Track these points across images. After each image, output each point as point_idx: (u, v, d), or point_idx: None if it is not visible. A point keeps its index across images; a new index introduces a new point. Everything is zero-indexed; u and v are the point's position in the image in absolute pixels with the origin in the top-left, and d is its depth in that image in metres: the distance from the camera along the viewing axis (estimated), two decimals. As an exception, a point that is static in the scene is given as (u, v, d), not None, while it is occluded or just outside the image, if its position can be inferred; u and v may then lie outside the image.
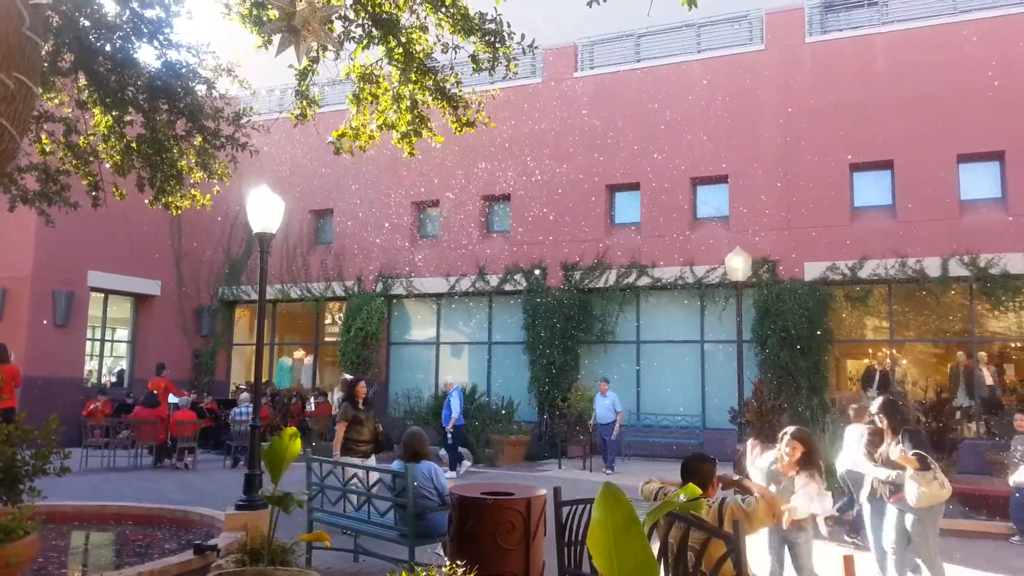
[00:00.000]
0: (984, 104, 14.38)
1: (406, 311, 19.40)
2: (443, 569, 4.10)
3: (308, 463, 7.09)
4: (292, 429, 4.87)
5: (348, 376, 13.75)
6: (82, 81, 8.00)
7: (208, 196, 9.38)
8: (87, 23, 7.41)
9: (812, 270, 15.24)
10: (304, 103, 7.71)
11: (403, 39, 7.22)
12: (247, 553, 5.10)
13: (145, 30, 7.59)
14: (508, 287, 17.72)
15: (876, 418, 6.25)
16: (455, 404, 13.67)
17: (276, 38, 4.31)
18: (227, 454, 14.86)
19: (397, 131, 7.91)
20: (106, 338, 19.66)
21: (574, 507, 4.63)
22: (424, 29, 7.37)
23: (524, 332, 17.27)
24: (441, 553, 6.33)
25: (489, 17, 7.11)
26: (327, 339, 20.65)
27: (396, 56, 7.29)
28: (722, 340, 15.81)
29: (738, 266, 12.93)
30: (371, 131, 7.89)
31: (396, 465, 6.70)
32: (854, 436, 8.19)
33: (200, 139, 8.54)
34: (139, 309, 20.10)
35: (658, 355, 16.64)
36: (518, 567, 4.86)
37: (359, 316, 18.46)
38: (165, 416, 14.53)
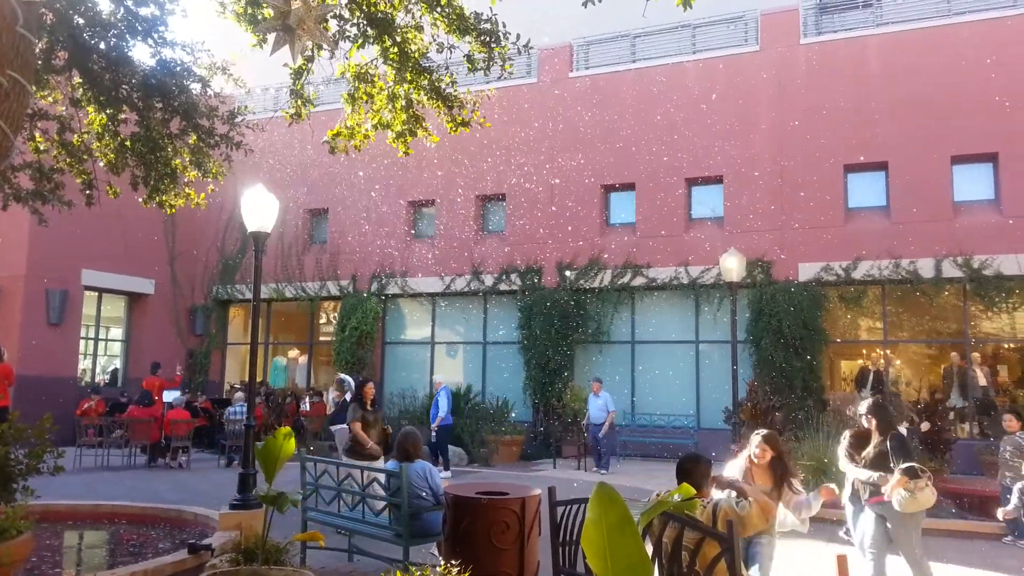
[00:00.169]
0: (978, 106, 14.44)
1: (401, 311, 19.39)
2: (438, 569, 4.11)
3: (302, 462, 7.08)
4: (286, 429, 4.88)
5: (343, 376, 13.81)
6: (76, 79, 7.98)
7: (202, 195, 9.35)
8: (81, 21, 7.40)
9: (806, 271, 15.28)
10: (299, 102, 7.69)
11: (398, 39, 7.21)
12: (241, 552, 5.10)
13: (140, 28, 7.58)
14: (503, 287, 17.73)
15: (864, 418, 6.23)
16: (442, 404, 13.69)
17: (271, 37, 4.31)
18: (221, 453, 14.84)
19: (392, 131, 7.89)
20: (100, 337, 19.61)
21: (568, 507, 4.63)
22: (419, 29, 7.36)
23: (519, 332, 17.28)
24: (436, 553, 6.32)
25: (484, 17, 7.10)
26: (322, 338, 20.62)
27: (391, 56, 7.28)
28: (717, 340, 15.84)
29: (732, 266, 12.95)
30: (366, 131, 7.88)
31: (391, 465, 6.70)
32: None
33: (194, 138, 8.52)
34: (133, 308, 20.05)
35: (653, 355, 16.66)
36: (513, 567, 4.86)
37: (354, 316, 18.45)
38: (159, 415, 14.50)
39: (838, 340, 15.78)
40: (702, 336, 16.28)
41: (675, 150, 16.61)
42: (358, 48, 7.33)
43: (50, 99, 8.60)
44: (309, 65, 7.21)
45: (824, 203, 15.34)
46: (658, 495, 4.66)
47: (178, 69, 7.97)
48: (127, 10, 7.48)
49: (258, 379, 17.40)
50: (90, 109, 8.22)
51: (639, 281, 16.51)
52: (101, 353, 19.88)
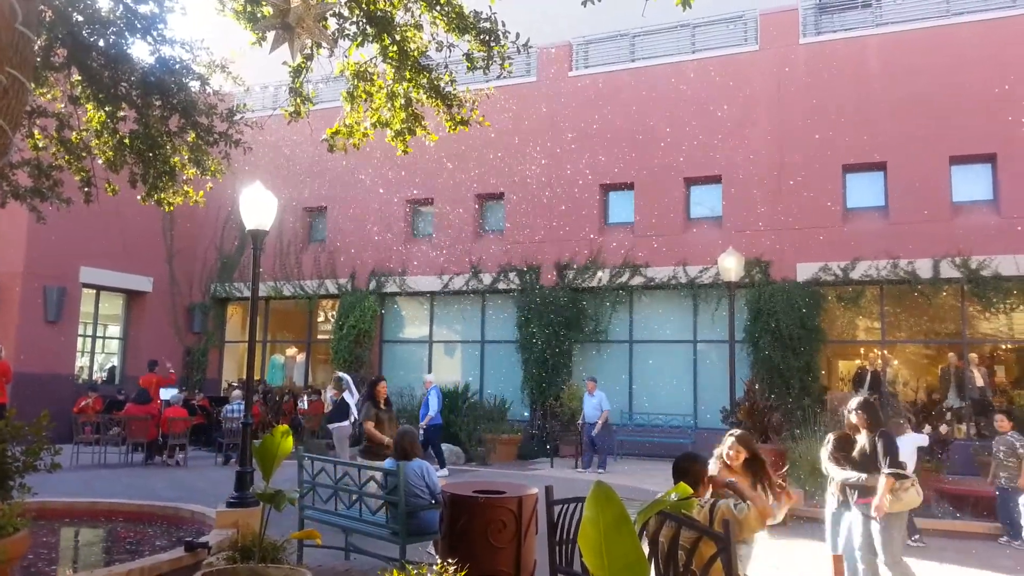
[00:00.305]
0: (977, 106, 14.45)
1: (399, 309, 19.39)
2: (434, 567, 4.11)
3: (299, 461, 7.08)
4: (284, 427, 4.88)
5: (341, 374, 13.80)
6: (75, 76, 7.98)
7: (201, 193, 9.35)
8: (80, 18, 7.39)
9: (804, 271, 15.29)
10: (298, 100, 7.69)
11: (398, 37, 7.21)
12: (238, 550, 5.10)
13: (139, 25, 7.57)
14: (501, 286, 17.73)
15: (852, 414, 6.22)
16: (433, 403, 13.69)
17: (270, 35, 4.31)
18: (218, 451, 14.82)
19: (391, 129, 7.90)
20: (98, 334, 19.58)
21: (565, 506, 4.64)
22: (419, 27, 7.36)
23: (517, 331, 17.28)
24: (432, 551, 6.33)
25: (484, 16, 7.11)
26: (320, 337, 20.61)
27: (390, 54, 7.28)
28: (714, 340, 15.85)
29: (731, 266, 12.95)
30: (365, 129, 7.88)
31: (388, 463, 6.70)
32: (907, 444, 8.06)
33: (193, 135, 8.52)
34: (131, 306, 20.02)
35: (651, 355, 16.67)
36: (509, 565, 4.86)
37: (352, 314, 18.44)
38: (156, 413, 14.49)
39: (836, 340, 15.80)
40: (700, 336, 16.29)
41: (674, 150, 16.62)
42: (357, 46, 7.33)
43: (49, 96, 8.59)
44: (308, 63, 7.21)
45: (823, 203, 15.35)
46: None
47: (177, 67, 7.97)
48: (126, 7, 7.48)
49: (256, 377, 17.40)
50: (89, 106, 8.22)
51: (637, 280, 16.52)
52: (99, 351, 19.86)
